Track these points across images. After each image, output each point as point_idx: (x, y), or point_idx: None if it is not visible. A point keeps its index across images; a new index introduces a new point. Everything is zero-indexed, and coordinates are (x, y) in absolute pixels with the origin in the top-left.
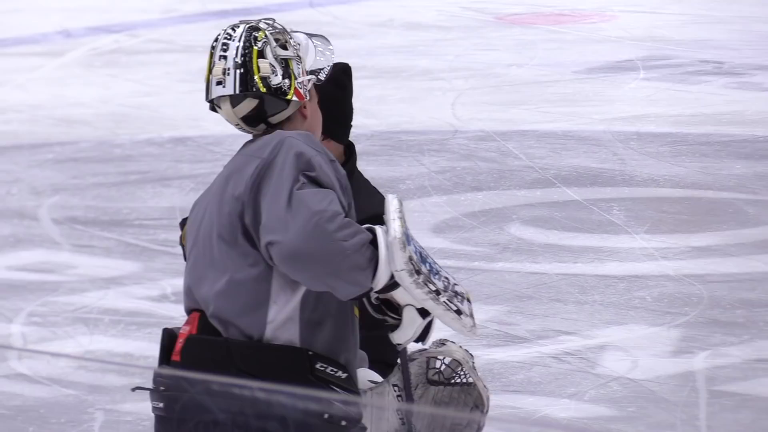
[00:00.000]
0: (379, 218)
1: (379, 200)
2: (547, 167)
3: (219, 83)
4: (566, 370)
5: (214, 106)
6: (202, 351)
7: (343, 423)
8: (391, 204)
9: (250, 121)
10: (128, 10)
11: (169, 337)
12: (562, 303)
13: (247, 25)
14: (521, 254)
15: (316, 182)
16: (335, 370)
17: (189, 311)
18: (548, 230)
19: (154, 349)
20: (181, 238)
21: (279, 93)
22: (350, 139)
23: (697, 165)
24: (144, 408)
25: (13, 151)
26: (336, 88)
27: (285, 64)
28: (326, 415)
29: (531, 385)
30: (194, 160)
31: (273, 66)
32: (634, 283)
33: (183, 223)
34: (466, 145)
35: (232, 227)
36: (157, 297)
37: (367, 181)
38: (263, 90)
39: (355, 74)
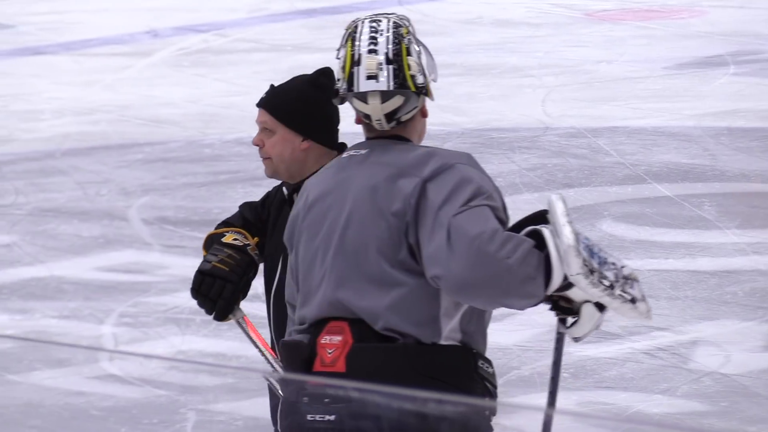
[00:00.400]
0: None
1: None
2: (638, 163)
3: (371, 77)
4: (659, 365)
5: (344, 98)
6: (375, 358)
7: (492, 417)
8: (557, 207)
9: (388, 117)
10: (216, 10)
11: (299, 348)
12: (654, 299)
13: (390, 20)
14: (613, 250)
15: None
16: (488, 366)
17: (324, 320)
18: (639, 226)
19: (246, 349)
20: (212, 239)
21: (422, 91)
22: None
23: None
24: (236, 408)
25: (101, 151)
26: (317, 90)
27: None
28: (487, 412)
29: (623, 381)
30: None
31: (418, 64)
32: (725, 279)
33: (222, 225)
34: (557, 141)
35: (394, 244)
36: (249, 297)
37: None
38: (412, 88)
39: (444, 71)
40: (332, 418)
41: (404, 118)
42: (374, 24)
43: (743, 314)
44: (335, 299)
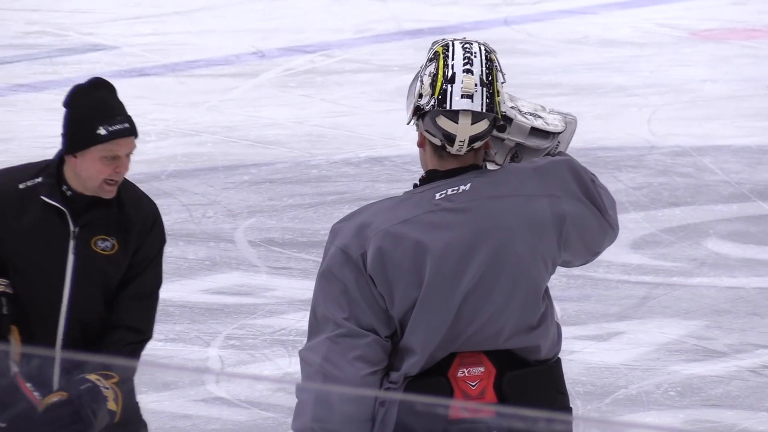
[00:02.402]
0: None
1: None
2: (743, 182)
3: (466, 96)
4: (765, 383)
5: (424, 114)
6: (529, 384)
7: None
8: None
9: (470, 140)
10: (322, 30)
11: (441, 385)
12: (760, 317)
13: (481, 45)
14: (718, 269)
15: None
16: None
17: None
18: (745, 244)
19: None
20: None
21: (506, 120)
22: None
23: None
24: None
25: (208, 173)
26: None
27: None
28: None
29: (729, 399)
30: (391, 179)
31: (503, 92)
32: None
33: None
34: (663, 160)
35: (543, 283)
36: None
37: None
38: (499, 114)
39: (550, 91)
40: None
41: (477, 145)
42: (467, 45)
43: None
44: (493, 339)
